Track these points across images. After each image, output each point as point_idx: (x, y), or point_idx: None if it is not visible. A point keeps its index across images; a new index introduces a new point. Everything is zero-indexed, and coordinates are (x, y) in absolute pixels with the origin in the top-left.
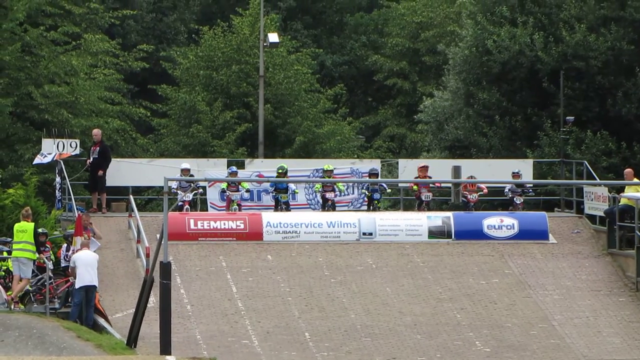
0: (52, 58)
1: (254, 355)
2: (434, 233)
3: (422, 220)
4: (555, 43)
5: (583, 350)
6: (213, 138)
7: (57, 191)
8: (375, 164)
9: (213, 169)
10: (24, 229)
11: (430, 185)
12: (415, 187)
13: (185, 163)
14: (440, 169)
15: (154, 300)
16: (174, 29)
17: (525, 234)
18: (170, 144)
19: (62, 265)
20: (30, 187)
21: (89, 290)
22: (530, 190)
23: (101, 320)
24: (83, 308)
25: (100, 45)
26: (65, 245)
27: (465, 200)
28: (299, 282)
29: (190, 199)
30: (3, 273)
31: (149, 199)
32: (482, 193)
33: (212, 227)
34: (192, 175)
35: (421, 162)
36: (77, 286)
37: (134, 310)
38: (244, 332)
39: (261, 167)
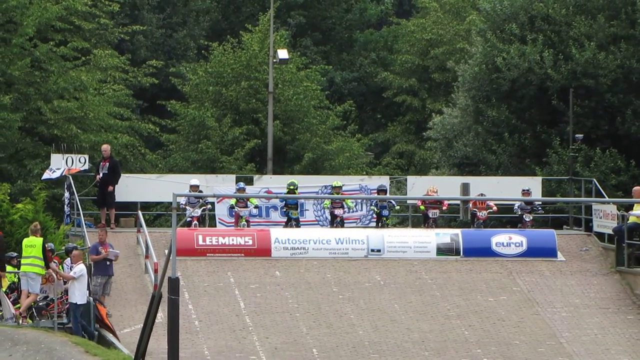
0: (62, 73)
1: None
2: (443, 250)
3: (430, 237)
4: (564, 61)
5: None
6: (222, 154)
7: (65, 206)
8: (384, 181)
9: (222, 185)
10: (32, 244)
11: (437, 203)
12: (422, 207)
13: (195, 179)
14: (449, 186)
15: (162, 315)
16: (183, 45)
17: (534, 251)
18: (179, 160)
19: None
20: (39, 202)
21: (79, 307)
22: (539, 207)
23: (109, 336)
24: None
25: (110, 60)
26: (68, 259)
27: (474, 217)
28: (307, 298)
29: (198, 214)
30: (5, 289)
31: (158, 214)
32: (491, 210)
33: (220, 243)
34: (200, 192)
35: (430, 181)
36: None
37: (142, 325)
38: (252, 348)
39: (270, 184)
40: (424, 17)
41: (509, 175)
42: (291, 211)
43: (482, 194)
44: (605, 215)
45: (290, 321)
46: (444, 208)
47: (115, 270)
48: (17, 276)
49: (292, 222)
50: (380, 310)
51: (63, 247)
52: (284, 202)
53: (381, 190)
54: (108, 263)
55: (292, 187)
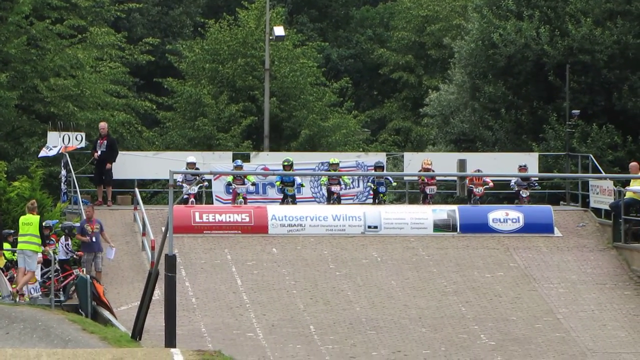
0: (58, 51)
1: (258, 348)
2: (439, 226)
3: (427, 214)
4: (561, 37)
5: (588, 344)
6: (218, 131)
7: (62, 184)
8: (381, 158)
9: (218, 162)
10: (29, 221)
11: (437, 179)
12: (423, 179)
13: (191, 157)
14: (446, 163)
15: (159, 293)
16: (179, 22)
17: (531, 227)
18: (175, 137)
19: (60, 257)
20: (35, 180)
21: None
22: (536, 183)
23: (106, 313)
24: None
25: (106, 38)
26: (63, 237)
27: (471, 193)
28: (304, 275)
29: (195, 191)
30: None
31: (155, 192)
32: (488, 186)
33: (217, 220)
34: (197, 169)
35: (427, 157)
36: None
37: (139, 303)
38: (249, 325)
39: (267, 161)
40: None
41: (505, 152)
42: (287, 188)
43: (478, 170)
44: (602, 191)
45: (287, 298)
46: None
47: None
48: (14, 254)
49: (288, 199)
50: (377, 287)
51: (60, 225)
52: (281, 179)
53: (378, 167)
54: (94, 240)
55: (286, 164)
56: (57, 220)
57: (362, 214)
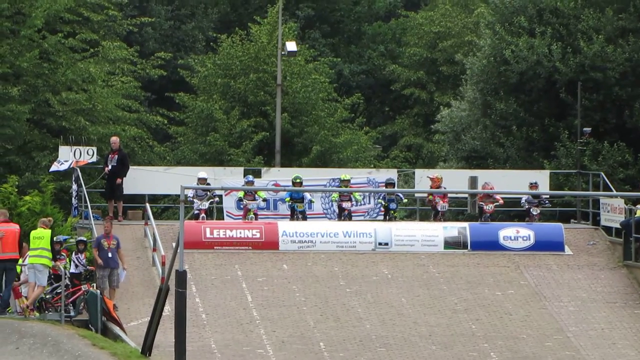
0: (70, 65)
1: None
2: (450, 243)
3: (438, 231)
4: (573, 54)
5: None
6: (230, 146)
7: (73, 199)
8: (392, 174)
9: (230, 177)
10: (40, 235)
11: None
12: (431, 197)
13: (203, 172)
14: (457, 180)
15: (169, 308)
16: (191, 37)
17: (541, 245)
18: (187, 152)
19: (71, 271)
20: (46, 194)
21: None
22: (547, 201)
23: (116, 329)
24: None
25: (118, 52)
26: (74, 251)
27: (481, 210)
28: (314, 291)
29: (206, 207)
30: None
31: (165, 207)
32: (498, 204)
33: (228, 236)
34: (208, 184)
35: (434, 172)
36: None
37: (149, 318)
38: (259, 341)
39: (278, 176)
40: (432, 10)
41: (517, 169)
42: (297, 204)
43: (487, 183)
44: (613, 209)
45: (297, 314)
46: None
47: None
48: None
49: (297, 214)
50: (388, 304)
51: (72, 240)
52: (290, 195)
53: (389, 184)
54: (110, 255)
55: (298, 181)
56: (70, 236)
57: (373, 231)
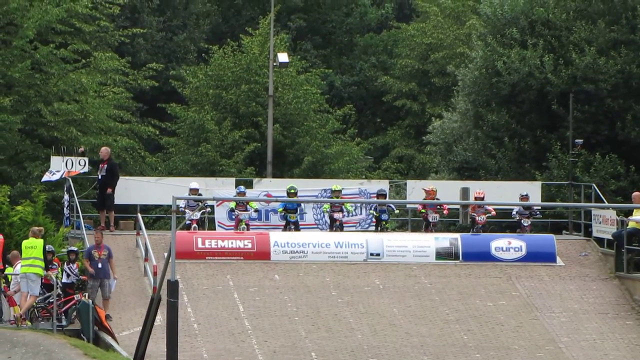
0: (62, 76)
1: None
2: (442, 254)
3: (429, 242)
4: (564, 65)
5: None
6: (221, 157)
7: (65, 209)
8: (384, 185)
9: (221, 188)
10: (33, 245)
11: (438, 207)
12: (422, 210)
13: (194, 183)
14: (449, 191)
15: (160, 318)
16: (183, 48)
17: (533, 256)
18: (178, 163)
19: (63, 281)
20: (38, 204)
21: None
22: (538, 212)
23: (108, 338)
24: None
25: (110, 63)
26: (65, 261)
27: (473, 221)
28: (306, 302)
29: (198, 217)
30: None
31: (157, 217)
32: (490, 215)
33: (219, 246)
34: (200, 195)
35: (428, 184)
36: None
37: (141, 328)
38: (251, 351)
39: (269, 187)
40: (424, 22)
41: (508, 180)
42: (289, 215)
43: (479, 192)
44: (605, 221)
45: (289, 325)
46: (445, 212)
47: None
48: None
49: (290, 225)
50: (379, 315)
51: (63, 250)
52: (284, 206)
53: (380, 195)
54: (100, 266)
55: (293, 192)
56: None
57: (365, 242)
